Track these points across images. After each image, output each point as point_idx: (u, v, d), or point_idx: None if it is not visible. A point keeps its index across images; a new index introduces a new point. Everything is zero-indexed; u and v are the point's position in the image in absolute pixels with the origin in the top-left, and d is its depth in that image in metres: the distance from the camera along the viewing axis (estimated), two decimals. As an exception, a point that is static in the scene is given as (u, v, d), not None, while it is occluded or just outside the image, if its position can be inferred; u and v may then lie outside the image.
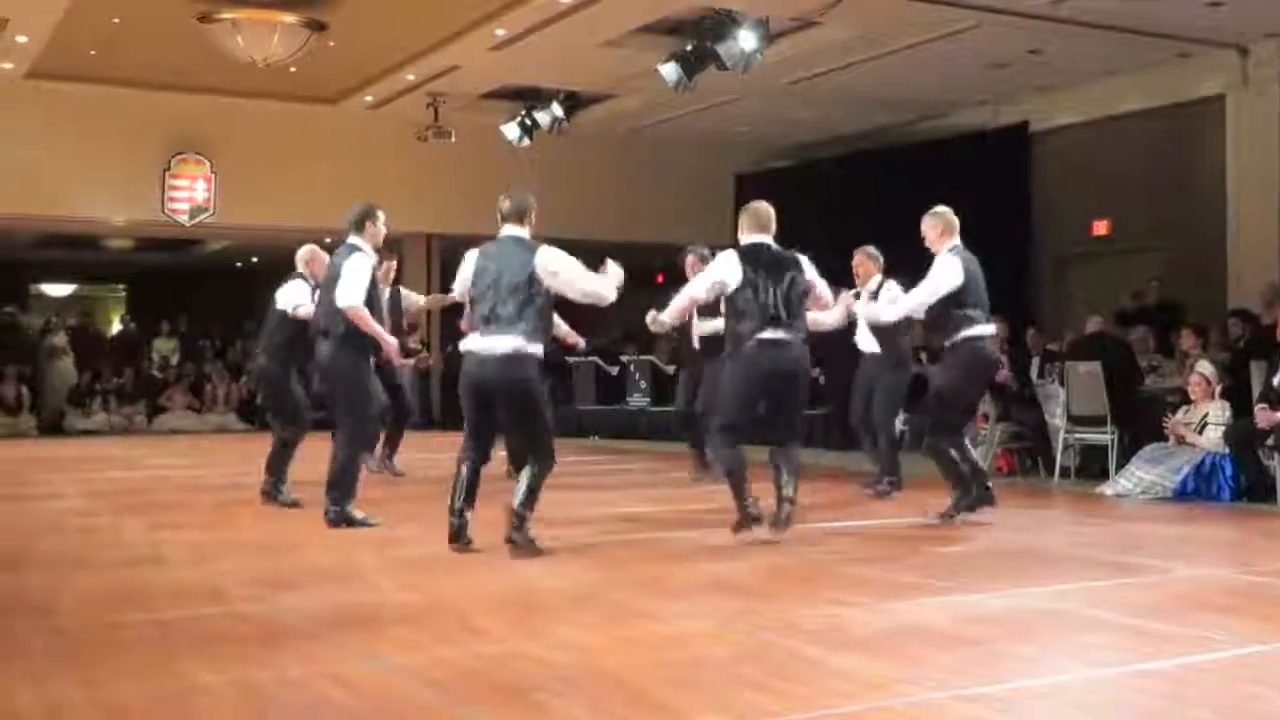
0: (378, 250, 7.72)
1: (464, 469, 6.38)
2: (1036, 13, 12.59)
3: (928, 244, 7.78)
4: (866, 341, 9.11)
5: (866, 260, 9.28)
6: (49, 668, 4.16)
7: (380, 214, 7.74)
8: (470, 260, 6.50)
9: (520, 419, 6.43)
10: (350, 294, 7.28)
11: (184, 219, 17.67)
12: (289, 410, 8.54)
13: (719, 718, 3.53)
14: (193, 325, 22.64)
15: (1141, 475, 9.25)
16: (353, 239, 7.59)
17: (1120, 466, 9.66)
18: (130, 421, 18.86)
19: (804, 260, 6.96)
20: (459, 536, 6.36)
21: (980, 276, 7.66)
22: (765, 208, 7.10)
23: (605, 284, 6.57)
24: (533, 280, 6.26)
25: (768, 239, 6.98)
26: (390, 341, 7.65)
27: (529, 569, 5.99)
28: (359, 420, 7.49)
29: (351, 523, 7.31)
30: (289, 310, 8.47)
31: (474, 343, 6.30)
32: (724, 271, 6.83)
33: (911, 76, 15.04)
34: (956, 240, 7.67)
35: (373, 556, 6.42)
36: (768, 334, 6.69)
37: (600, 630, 4.67)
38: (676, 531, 7.39)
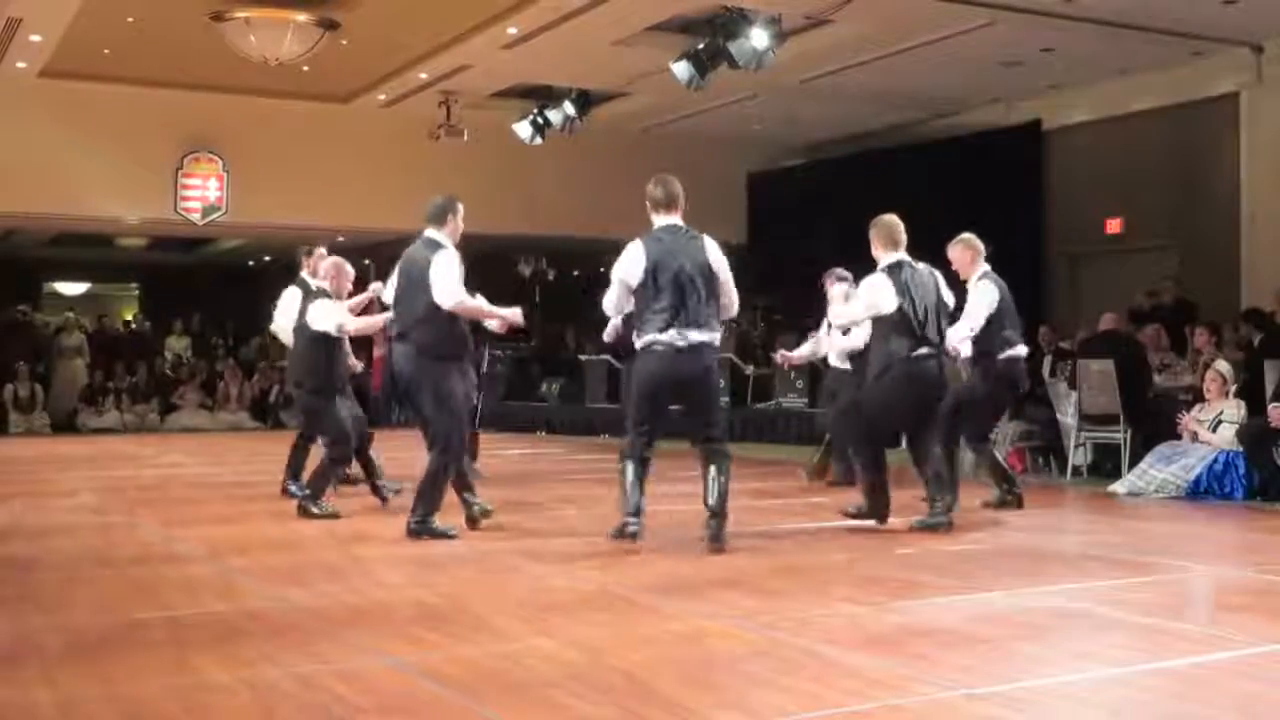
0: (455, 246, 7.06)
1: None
2: (1050, 10, 12.57)
3: (957, 269, 8.00)
4: None
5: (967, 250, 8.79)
6: (64, 664, 4.17)
7: (460, 207, 7.13)
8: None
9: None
10: (452, 292, 6.70)
11: (196, 218, 17.72)
12: (335, 432, 8.05)
13: (732, 715, 3.53)
14: (205, 324, 22.69)
15: (1154, 474, 9.21)
16: (432, 233, 6.97)
17: (1133, 465, 9.63)
18: (143, 420, 18.91)
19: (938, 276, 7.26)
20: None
21: (1010, 298, 7.94)
22: (895, 223, 7.37)
23: None
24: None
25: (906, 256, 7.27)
26: (505, 313, 7.20)
27: (540, 568, 5.99)
28: (449, 426, 6.81)
29: (434, 534, 6.77)
30: (332, 331, 8.01)
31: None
32: (882, 295, 7.17)
33: (924, 74, 15.02)
34: (985, 265, 7.93)
35: (386, 555, 6.43)
36: (923, 350, 7.04)
37: (613, 628, 4.67)
38: (686, 530, 7.38)
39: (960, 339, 7.76)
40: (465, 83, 16.28)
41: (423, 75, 16.08)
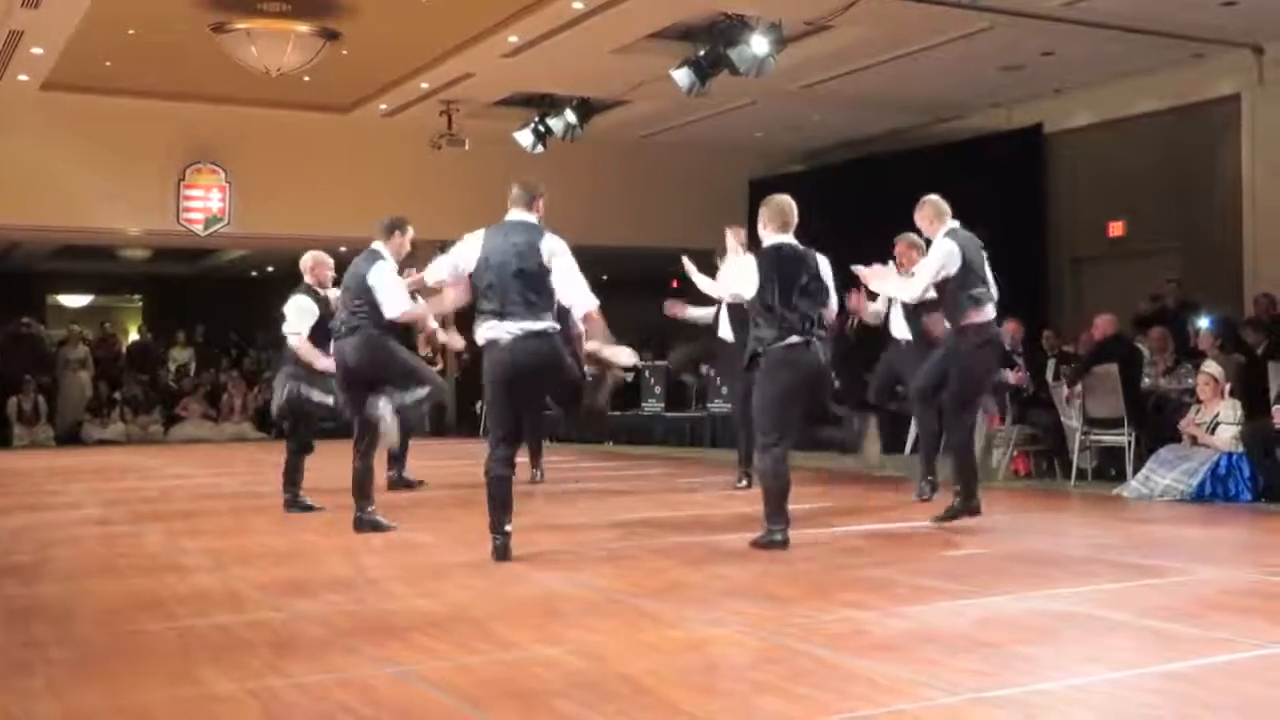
0: (399, 262, 7.69)
1: None
2: (1050, 14, 12.58)
3: (924, 234, 7.91)
4: (900, 329, 8.96)
5: (909, 249, 8.90)
6: (69, 676, 4.17)
7: (410, 228, 7.75)
8: None
9: None
10: (399, 303, 7.39)
11: (199, 229, 17.74)
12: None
13: (737, 722, 3.53)
14: (209, 335, 22.72)
15: (1158, 479, 9.21)
16: (377, 245, 7.59)
17: (1137, 469, 9.62)
18: (146, 431, 18.93)
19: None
20: None
21: (981, 257, 7.67)
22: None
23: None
24: None
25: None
26: (432, 320, 7.95)
27: (546, 575, 5.99)
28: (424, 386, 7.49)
29: (375, 527, 7.47)
30: (287, 334, 8.40)
31: None
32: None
33: (925, 79, 15.03)
34: (951, 223, 7.67)
35: (390, 563, 6.43)
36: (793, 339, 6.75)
37: (618, 636, 4.67)
38: (693, 537, 7.38)
39: (909, 296, 7.84)
40: (466, 92, 16.31)
41: (424, 85, 16.11)
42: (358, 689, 3.91)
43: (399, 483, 10.08)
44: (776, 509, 6.66)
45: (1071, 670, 4.10)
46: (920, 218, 7.83)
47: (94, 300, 27.72)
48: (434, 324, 8.62)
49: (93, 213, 17.17)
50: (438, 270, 6.63)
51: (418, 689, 3.93)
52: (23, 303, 22.41)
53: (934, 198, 7.81)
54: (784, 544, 6.62)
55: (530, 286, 6.26)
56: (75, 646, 4.61)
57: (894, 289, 8.16)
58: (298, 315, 8.40)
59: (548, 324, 6.29)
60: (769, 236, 6.94)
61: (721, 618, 4.96)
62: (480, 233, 6.51)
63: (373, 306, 7.37)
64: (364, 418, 7.35)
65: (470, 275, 6.39)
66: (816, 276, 6.79)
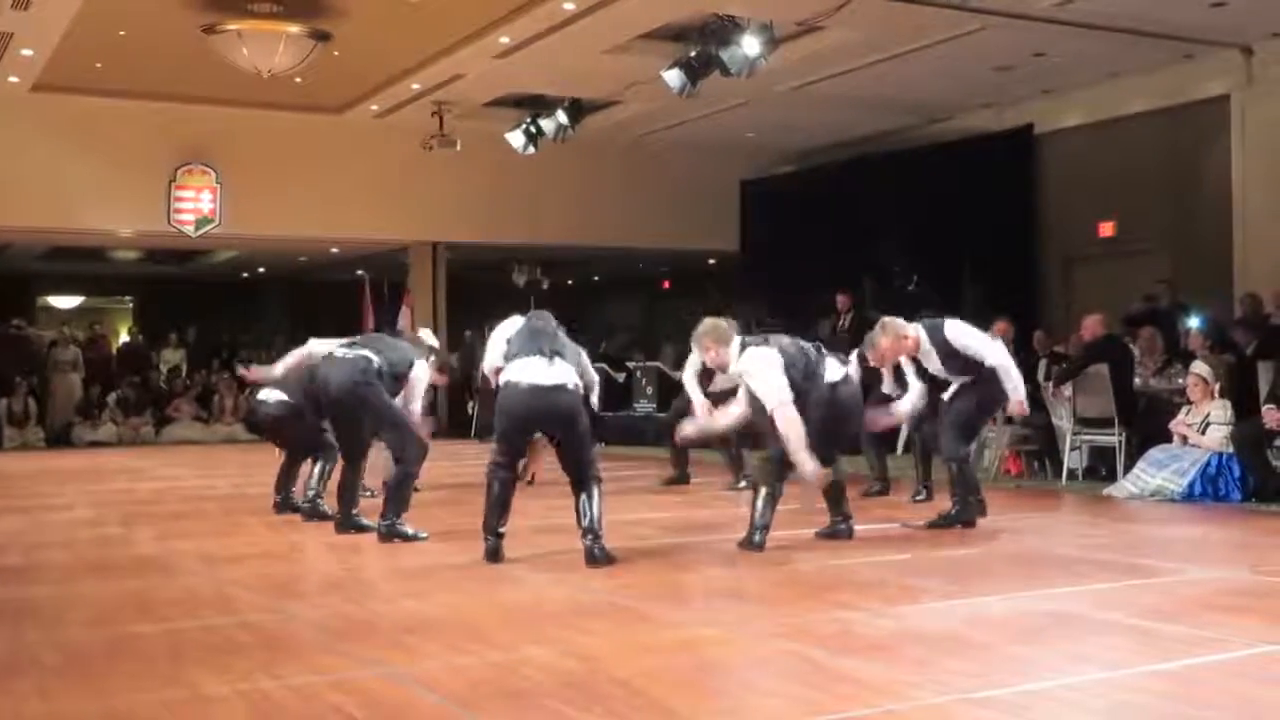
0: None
1: None
2: (1041, 15, 12.59)
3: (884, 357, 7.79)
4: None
5: (847, 299, 8.99)
6: (59, 677, 4.17)
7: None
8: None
9: None
10: (417, 406, 7.66)
11: (190, 230, 17.69)
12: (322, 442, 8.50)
13: (728, 723, 3.53)
14: (200, 336, 22.68)
15: (1148, 479, 9.22)
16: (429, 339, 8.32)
17: (1128, 468, 9.64)
18: (138, 433, 18.89)
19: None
20: None
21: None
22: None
23: None
24: None
25: None
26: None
27: (537, 577, 5.99)
28: (405, 430, 7.30)
29: (404, 537, 7.14)
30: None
31: None
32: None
33: (916, 80, 15.03)
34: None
35: (382, 566, 6.43)
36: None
37: (609, 637, 4.67)
38: (684, 538, 7.39)
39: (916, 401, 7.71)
40: (458, 93, 16.29)
41: (415, 85, 16.09)
42: (349, 690, 3.90)
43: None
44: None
45: (1062, 670, 4.11)
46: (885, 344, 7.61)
47: (85, 301, 27.67)
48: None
49: (83, 214, 17.14)
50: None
51: (409, 690, 3.93)
52: (13, 304, 22.38)
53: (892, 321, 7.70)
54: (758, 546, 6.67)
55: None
56: (65, 648, 4.60)
57: (913, 399, 7.82)
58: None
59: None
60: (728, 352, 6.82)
61: (713, 618, 4.97)
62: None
63: (395, 379, 7.41)
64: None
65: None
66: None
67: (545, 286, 21.68)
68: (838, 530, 7.05)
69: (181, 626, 4.98)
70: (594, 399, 6.65)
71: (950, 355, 7.47)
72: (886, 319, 7.68)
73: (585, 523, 6.20)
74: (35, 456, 16.42)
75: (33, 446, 17.84)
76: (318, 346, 7.99)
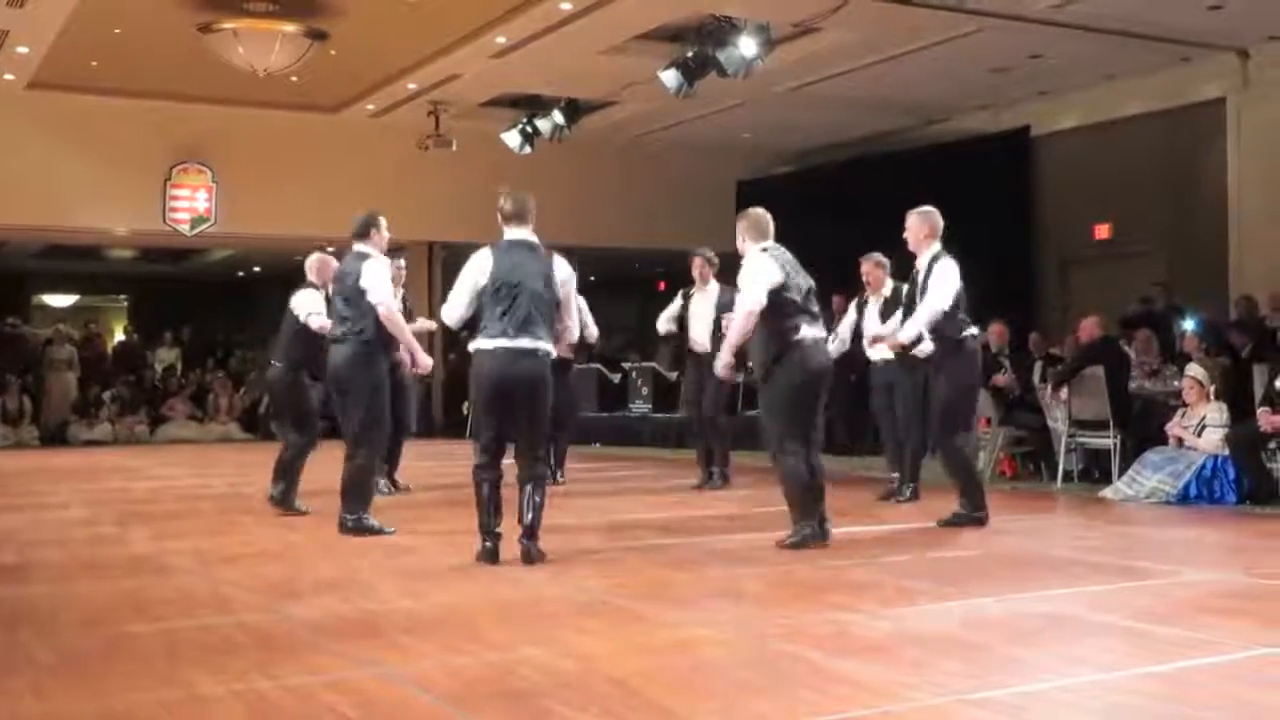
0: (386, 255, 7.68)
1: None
2: (1037, 17, 12.62)
3: (911, 243, 7.74)
4: (879, 351, 8.95)
5: (876, 269, 9.19)
6: (54, 677, 4.16)
7: (383, 220, 7.72)
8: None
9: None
10: (386, 298, 7.30)
11: (185, 229, 17.69)
12: (302, 418, 8.51)
13: (725, 724, 3.53)
14: (195, 335, 22.66)
15: (1144, 481, 9.23)
16: (360, 246, 7.53)
17: (1123, 471, 9.65)
18: (132, 432, 18.87)
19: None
20: None
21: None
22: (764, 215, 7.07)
23: None
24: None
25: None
26: (424, 360, 7.78)
27: (533, 577, 5.98)
28: (375, 425, 7.38)
29: (370, 531, 7.29)
30: (303, 318, 8.40)
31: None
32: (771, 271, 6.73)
33: (913, 81, 15.06)
34: (939, 244, 7.64)
35: (377, 565, 6.41)
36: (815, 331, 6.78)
37: (606, 637, 4.67)
38: (680, 538, 7.38)
39: (924, 322, 7.50)
40: (454, 92, 16.29)
41: (411, 85, 16.09)
42: (345, 690, 3.90)
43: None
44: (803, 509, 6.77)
45: (1058, 671, 4.11)
46: (918, 226, 7.67)
47: (80, 300, 27.66)
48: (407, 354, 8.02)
49: (78, 212, 17.13)
50: (456, 308, 6.34)
51: (405, 690, 3.93)
52: (8, 303, 22.36)
53: (935, 211, 7.71)
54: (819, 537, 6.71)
55: (545, 312, 6.26)
56: (60, 648, 4.59)
57: (922, 320, 7.60)
58: (309, 304, 8.45)
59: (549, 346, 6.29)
60: (752, 247, 6.91)
61: (709, 619, 4.97)
62: (487, 253, 6.37)
63: (364, 313, 7.27)
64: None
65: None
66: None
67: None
68: (805, 537, 6.71)
69: (177, 626, 4.97)
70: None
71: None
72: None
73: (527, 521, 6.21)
74: (30, 455, 16.39)
75: (27, 445, 17.82)
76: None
